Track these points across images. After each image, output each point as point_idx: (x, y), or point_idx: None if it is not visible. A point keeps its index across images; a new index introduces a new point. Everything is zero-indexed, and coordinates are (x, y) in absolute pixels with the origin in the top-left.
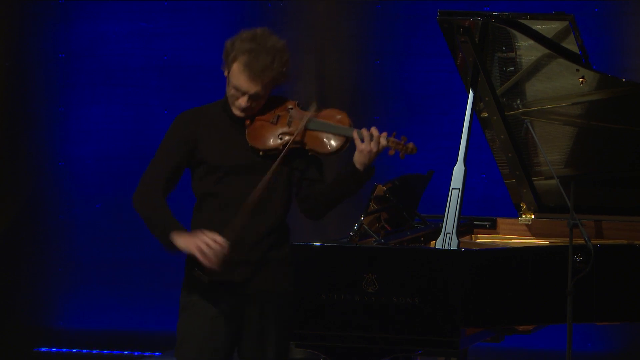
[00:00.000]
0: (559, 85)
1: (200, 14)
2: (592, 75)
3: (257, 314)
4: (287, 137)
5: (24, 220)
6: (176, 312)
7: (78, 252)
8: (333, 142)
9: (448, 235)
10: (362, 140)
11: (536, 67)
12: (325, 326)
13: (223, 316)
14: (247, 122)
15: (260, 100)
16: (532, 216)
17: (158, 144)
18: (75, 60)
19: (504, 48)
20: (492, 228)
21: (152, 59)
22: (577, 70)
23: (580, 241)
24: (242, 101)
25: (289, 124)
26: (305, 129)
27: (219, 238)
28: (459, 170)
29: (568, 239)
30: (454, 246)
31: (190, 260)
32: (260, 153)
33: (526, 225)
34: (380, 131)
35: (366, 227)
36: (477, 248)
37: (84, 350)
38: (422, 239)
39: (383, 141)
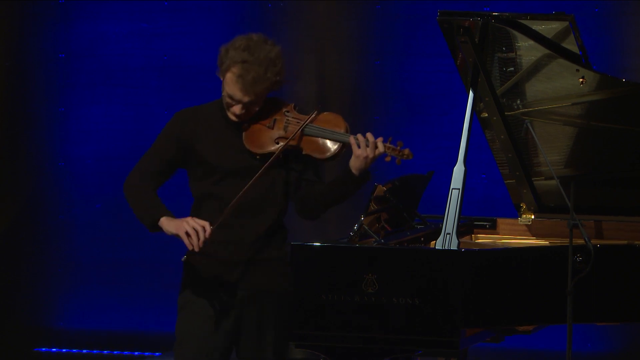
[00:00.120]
0: (559, 86)
1: (200, 14)
2: (592, 75)
3: (255, 313)
4: (283, 142)
5: (24, 220)
6: (176, 313)
7: (78, 252)
8: (329, 148)
9: (448, 235)
10: (359, 146)
11: (536, 68)
12: (325, 326)
13: (221, 316)
14: (244, 125)
15: (254, 106)
16: (532, 216)
17: None
18: (75, 60)
19: (504, 48)
20: (492, 228)
21: (152, 59)
22: (577, 70)
23: (580, 241)
24: (237, 109)
25: (285, 129)
26: (302, 134)
27: (204, 223)
28: (459, 171)
29: (568, 239)
30: (454, 246)
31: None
32: (257, 157)
33: (526, 225)
34: (380, 132)
35: (366, 227)
36: (477, 248)
37: (84, 350)
38: (422, 239)
39: (380, 147)
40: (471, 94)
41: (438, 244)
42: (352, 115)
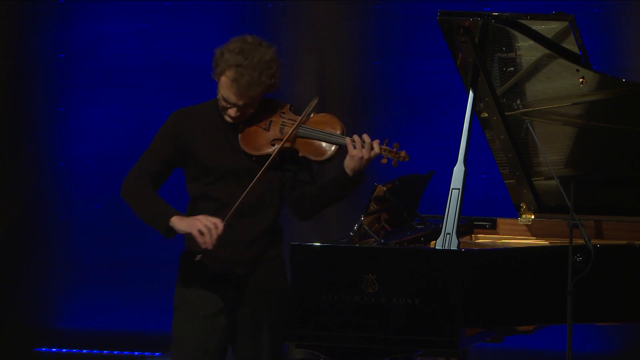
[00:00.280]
0: (559, 86)
1: (200, 14)
2: (592, 75)
3: (251, 312)
4: (278, 144)
5: (24, 220)
6: None
7: (78, 252)
8: (325, 150)
9: (448, 235)
10: (354, 146)
11: (536, 68)
12: (325, 326)
13: (217, 315)
14: (240, 126)
15: (250, 109)
16: (532, 216)
17: None
18: (75, 60)
19: (504, 48)
20: (492, 228)
21: (152, 59)
22: (577, 70)
23: (580, 241)
24: (232, 112)
25: (281, 131)
26: (296, 136)
27: (216, 220)
28: (459, 171)
29: (568, 239)
30: (454, 246)
31: (184, 258)
32: (254, 158)
33: (526, 225)
34: (380, 132)
35: (366, 228)
36: (477, 248)
37: (84, 350)
38: (422, 239)
39: (375, 148)
40: (471, 94)
41: (438, 244)
42: (352, 115)
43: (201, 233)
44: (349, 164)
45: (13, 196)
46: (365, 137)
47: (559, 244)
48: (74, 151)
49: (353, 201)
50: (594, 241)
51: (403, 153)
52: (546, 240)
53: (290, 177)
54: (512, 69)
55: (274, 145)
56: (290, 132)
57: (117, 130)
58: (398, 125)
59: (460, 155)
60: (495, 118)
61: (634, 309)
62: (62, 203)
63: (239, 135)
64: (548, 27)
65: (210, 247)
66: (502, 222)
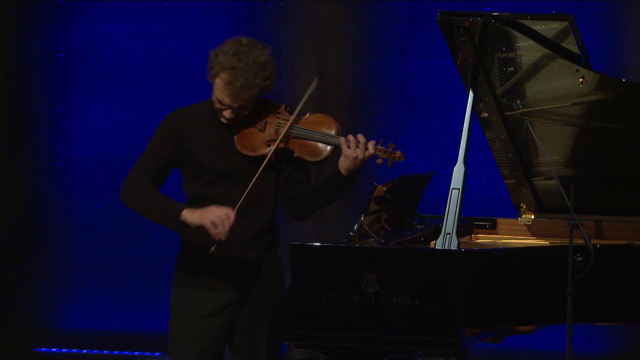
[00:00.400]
0: (559, 86)
1: (200, 14)
2: (592, 75)
3: (248, 312)
4: (273, 145)
5: (24, 220)
6: None
7: (78, 252)
8: (321, 151)
9: (448, 235)
10: (349, 146)
11: (536, 68)
12: (325, 326)
13: (214, 315)
14: (236, 127)
15: (244, 110)
16: (532, 216)
17: None
18: (75, 60)
19: (504, 48)
20: (492, 228)
21: (152, 59)
22: (577, 70)
23: (580, 241)
24: (227, 113)
25: (276, 131)
26: (292, 137)
27: (227, 210)
28: (459, 171)
29: (568, 239)
30: (454, 246)
31: (180, 258)
32: (250, 159)
33: (526, 225)
34: (380, 132)
35: (366, 228)
36: (477, 248)
37: (84, 350)
38: (422, 239)
39: (370, 148)
40: (471, 94)
41: (438, 244)
42: (352, 115)
43: (214, 224)
44: (343, 163)
45: (13, 196)
46: (360, 137)
47: (559, 244)
48: (74, 151)
49: (353, 201)
50: (594, 241)
51: (398, 153)
52: (546, 240)
53: (286, 177)
54: (512, 69)
55: (269, 145)
56: (287, 126)
57: (117, 130)
58: (398, 126)
59: (460, 155)
60: (495, 118)
61: (634, 309)
62: (62, 203)
63: (235, 137)
64: (548, 27)
65: (223, 238)
66: (502, 222)
